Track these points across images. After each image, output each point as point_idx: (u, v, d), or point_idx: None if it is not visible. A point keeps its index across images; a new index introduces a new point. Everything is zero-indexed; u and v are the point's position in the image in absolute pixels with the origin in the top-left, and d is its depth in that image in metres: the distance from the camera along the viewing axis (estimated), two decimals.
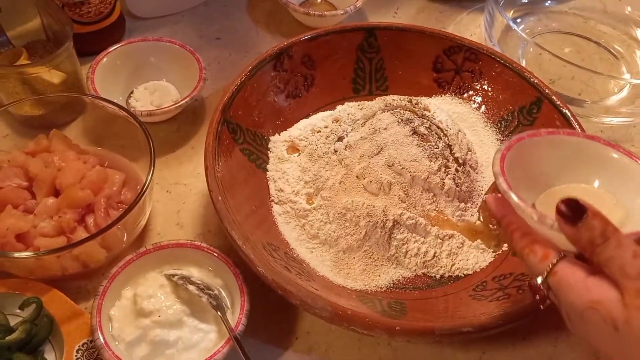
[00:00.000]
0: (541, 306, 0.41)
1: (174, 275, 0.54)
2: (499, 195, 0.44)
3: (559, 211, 0.38)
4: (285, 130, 0.68)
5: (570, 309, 0.39)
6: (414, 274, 0.59)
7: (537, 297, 0.41)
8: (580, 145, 0.47)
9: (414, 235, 0.60)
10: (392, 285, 0.58)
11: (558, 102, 0.66)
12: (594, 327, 0.37)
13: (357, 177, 0.62)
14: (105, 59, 0.70)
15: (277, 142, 0.67)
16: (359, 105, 0.69)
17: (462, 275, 0.60)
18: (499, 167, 0.44)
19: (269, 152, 0.66)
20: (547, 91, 0.67)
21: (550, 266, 0.39)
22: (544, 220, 0.40)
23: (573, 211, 0.38)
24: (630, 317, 0.35)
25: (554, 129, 0.48)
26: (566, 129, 0.49)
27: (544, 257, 0.40)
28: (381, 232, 0.59)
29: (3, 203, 0.57)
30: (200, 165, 0.58)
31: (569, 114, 0.64)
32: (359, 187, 0.61)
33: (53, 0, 0.70)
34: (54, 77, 0.67)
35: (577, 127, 0.63)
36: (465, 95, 0.73)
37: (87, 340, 0.52)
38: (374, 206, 0.59)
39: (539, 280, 0.40)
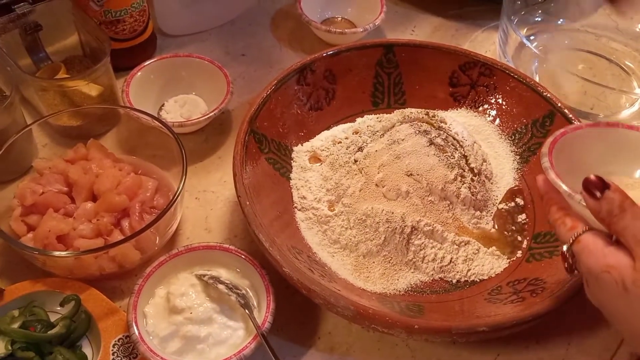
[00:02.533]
0: (569, 275, 0.46)
1: (204, 275, 0.57)
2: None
3: (584, 185, 0.43)
4: (308, 141, 0.71)
5: (588, 274, 0.44)
6: (431, 278, 0.62)
7: (566, 265, 0.46)
8: (622, 136, 0.51)
9: (431, 241, 0.62)
10: (410, 288, 0.61)
11: (570, 115, 0.68)
12: (606, 289, 0.42)
13: (376, 185, 0.64)
14: (139, 73, 0.74)
15: (300, 152, 0.70)
16: (377, 118, 0.72)
17: (478, 280, 0.62)
18: (547, 148, 0.49)
19: (292, 161, 0.69)
20: (559, 105, 0.69)
21: (576, 235, 0.44)
22: (573, 195, 0.45)
23: (597, 186, 0.42)
24: (637, 279, 0.40)
25: (595, 122, 0.52)
26: (606, 121, 0.53)
27: (572, 228, 0.45)
28: (399, 237, 0.61)
29: (45, 207, 0.60)
30: (227, 174, 0.61)
31: None
32: (378, 195, 0.64)
33: (91, 19, 0.74)
34: (92, 90, 0.70)
35: None
36: (481, 108, 0.75)
37: (123, 336, 0.55)
38: (392, 213, 0.62)
39: (565, 247, 0.45)
